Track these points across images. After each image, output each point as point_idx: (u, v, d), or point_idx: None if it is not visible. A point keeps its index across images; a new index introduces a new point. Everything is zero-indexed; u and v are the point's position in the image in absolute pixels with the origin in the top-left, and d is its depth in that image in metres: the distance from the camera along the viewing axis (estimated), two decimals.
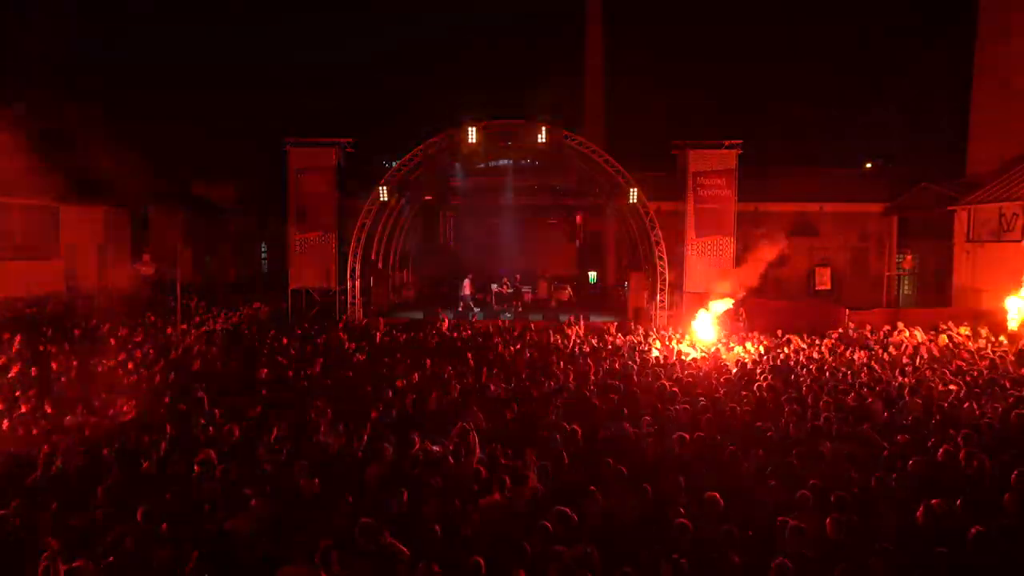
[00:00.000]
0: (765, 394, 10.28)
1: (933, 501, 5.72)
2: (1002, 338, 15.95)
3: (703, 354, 14.68)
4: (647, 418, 8.82)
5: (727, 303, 17.54)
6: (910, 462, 7.01)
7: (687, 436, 7.82)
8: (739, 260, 20.82)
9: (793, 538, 5.40)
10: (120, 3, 38.80)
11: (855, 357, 13.83)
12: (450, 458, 7.42)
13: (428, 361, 13.04)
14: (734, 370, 12.62)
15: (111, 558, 5.14)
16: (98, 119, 18.46)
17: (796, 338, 15.87)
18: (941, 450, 7.28)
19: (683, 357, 14.17)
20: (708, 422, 8.62)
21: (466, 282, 23.36)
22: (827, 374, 12.05)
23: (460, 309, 22.22)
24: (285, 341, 15.28)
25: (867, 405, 9.75)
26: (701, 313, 17.48)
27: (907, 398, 10.07)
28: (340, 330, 17.19)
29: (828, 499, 6.08)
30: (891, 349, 14.76)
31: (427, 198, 26.27)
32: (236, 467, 6.94)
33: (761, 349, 14.96)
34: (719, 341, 16.22)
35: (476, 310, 22.41)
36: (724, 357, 14.24)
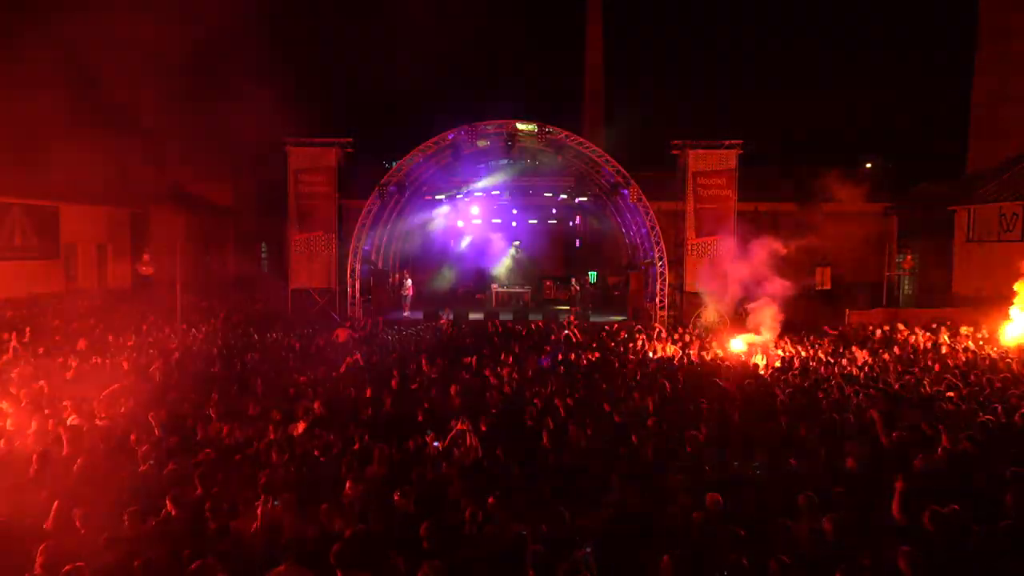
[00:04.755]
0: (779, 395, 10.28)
1: (935, 504, 5.70)
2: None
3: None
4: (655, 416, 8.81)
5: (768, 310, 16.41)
6: (914, 462, 7.00)
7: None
8: (738, 260, 20.70)
9: (792, 539, 5.38)
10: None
11: (856, 357, 13.81)
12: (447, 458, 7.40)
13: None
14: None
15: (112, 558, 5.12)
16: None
17: (793, 338, 15.83)
18: (944, 450, 7.27)
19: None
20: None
21: (408, 283, 23.40)
22: (829, 374, 12.03)
23: (405, 313, 22.21)
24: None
25: (869, 406, 9.72)
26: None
27: (909, 398, 10.06)
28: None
29: (829, 500, 6.07)
30: (895, 349, 14.74)
31: (427, 198, 26.26)
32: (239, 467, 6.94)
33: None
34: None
35: (406, 312, 22.34)
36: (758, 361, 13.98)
